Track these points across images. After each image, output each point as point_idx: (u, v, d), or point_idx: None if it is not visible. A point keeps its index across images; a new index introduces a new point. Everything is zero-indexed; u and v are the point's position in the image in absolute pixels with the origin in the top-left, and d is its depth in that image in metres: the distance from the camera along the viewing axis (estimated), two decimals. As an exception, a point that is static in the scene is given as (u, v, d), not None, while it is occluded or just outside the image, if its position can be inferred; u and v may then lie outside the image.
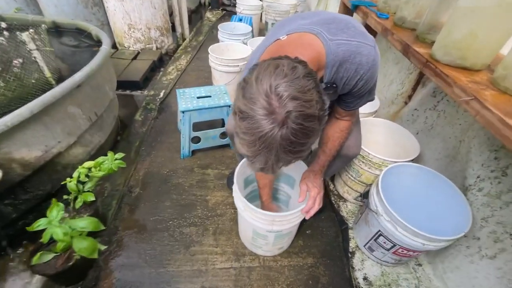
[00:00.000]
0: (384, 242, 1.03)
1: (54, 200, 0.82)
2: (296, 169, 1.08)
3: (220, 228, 1.26)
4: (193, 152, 1.63)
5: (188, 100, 1.47)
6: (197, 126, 1.53)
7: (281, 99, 0.46)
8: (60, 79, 1.38)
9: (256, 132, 0.48)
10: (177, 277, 1.08)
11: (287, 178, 1.19)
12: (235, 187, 0.96)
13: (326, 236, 1.26)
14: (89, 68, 1.26)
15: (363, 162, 1.20)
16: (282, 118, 0.46)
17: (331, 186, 1.50)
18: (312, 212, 0.88)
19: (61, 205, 0.81)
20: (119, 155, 1.11)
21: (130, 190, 1.40)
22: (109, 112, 1.52)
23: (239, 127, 0.51)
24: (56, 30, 1.87)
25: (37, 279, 1.01)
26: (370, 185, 1.25)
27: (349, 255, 1.19)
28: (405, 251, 0.98)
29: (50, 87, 1.26)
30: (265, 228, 0.94)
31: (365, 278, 1.12)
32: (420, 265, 1.17)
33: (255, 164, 0.54)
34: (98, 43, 1.63)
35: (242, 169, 1.05)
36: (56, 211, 0.78)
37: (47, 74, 1.27)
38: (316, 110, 0.48)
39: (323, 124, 0.52)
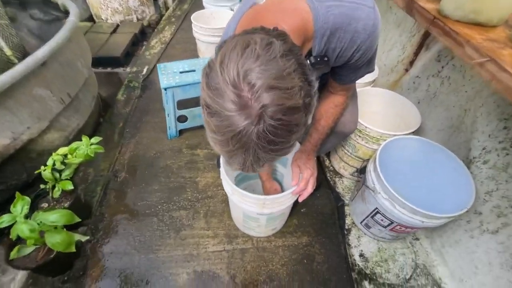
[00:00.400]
0: (382, 220, 0.98)
1: (17, 193, 0.74)
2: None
3: (211, 210, 1.21)
4: (181, 132, 1.54)
5: (170, 75, 1.35)
6: (182, 104, 1.42)
7: (253, 90, 0.36)
8: (25, 57, 1.24)
9: (227, 132, 0.38)
10: (168, 262, 1.05)
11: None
12: (222, 170, 0.89)
13: (321, 214, 1.22)
14: (54, 43, 1.12)
15: (359, 136, 1.12)
16: (256, 113, 0.36)
17: (327, 162, 1.43)
18: (305, 195, 0.81)
19: (27, 199, 0.74)
20: (95, 139, 1.02)
21: (115, 175, 1.33)
22: (85, 92, 1.40)
23: (207, 123, 0.41)
24: (20, 2, 1.67)
25: (23, 273, 0.97)
26: (368, 160, 1.19)
27: (345, 232, 1.15)
28: (403, 228, 0.94)
29: (13, 66, 1.13)
30: (255, 211, 0.88)
31: (361, 255, 1.09)
32: (417, 239, 1.14)
33: (232, 165, 0.45)
34: (67, 14, 1.46)
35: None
36: (20, 205, 0.71)
37: (7, 52, 1.13)
38: (299, 99, 0.38)
39: (312, 110, 0.43)
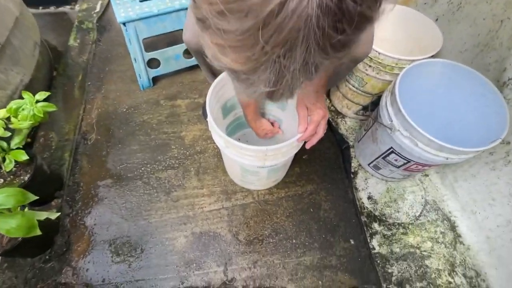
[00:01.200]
0: (395, 160, 0.88)
1: None
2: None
3: (203, 167, 1.07)
4: (155, 80, 1.30)
5: (127, 5, 1.05)
6: (151, 45, 1.15)
7: None
8: None
9: (258, 7, 0.19)
10: (162, 227, 0.94)
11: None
12: (209, 119, 0.71)
13: (325, 159, 1.11)
14: None
15: (369, 66, 0.94)
16: None
17: (327, 102, 1.28)
18: (315, 141, 0.67)
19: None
20: (41, 94, 0.80)
21: (84, 138, 1.13)
22: (22, 38, 1.09)
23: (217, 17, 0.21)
24: None
25: (-7, 256, 0.85)
26: (376, 95, 1.03)
27: (351, 176, 1.07)
28: (419, 167, 0.85)
29: None
30: (255, 165, 0.74)
31: (369, 197, 1.03)
32: (426, 175, 1.07)
33: (254, 86, 0.26)
34: None
35: (216, 95, 0.77)
36: None
37: None
38: None
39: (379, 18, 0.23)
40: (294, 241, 0.94)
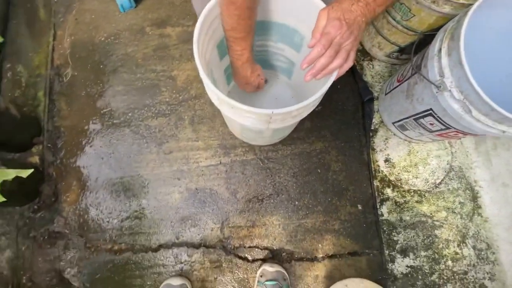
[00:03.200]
0: (431, 124, 0.71)
1: None
2: (306, 14, 0.58)
3: (199, 115, 0.93)
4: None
5: None
6: None
7: None
8: None
9: None
10: (154, 181, 0.87)
11: (288, 32, 0.69)
12: (198, 64, 0.53)
13: (341, 112, 0.94)
14: None
15: (425, -10, 0.67)
16: None
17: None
18: (342, 72, 0.48)
19: None
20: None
21: (58, 74, 0.96)
22: None
23: None
24: None
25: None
26: (423, 34, 0.78)
27: (370, 134, 0.92)
28: (459, 134, 0.69)
29: None
30: (259, 127, 0.60)
31: (387, 160, 0.90)
32: (459, 138, 0.92)
33: None
34: None
35: (207, 28, 0.56)
36: None
37: None
38: None
39: None
40: (296, 203, 0.87)
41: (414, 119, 0.76)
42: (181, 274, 0.80)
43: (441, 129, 0.70)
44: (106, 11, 1.02)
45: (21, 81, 0.93)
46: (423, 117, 0.72)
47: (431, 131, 0.75)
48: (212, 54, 0.66)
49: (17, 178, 0.65)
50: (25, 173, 0.65)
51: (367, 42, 0.97)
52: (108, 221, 0.85)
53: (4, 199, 0.56)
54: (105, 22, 1.01)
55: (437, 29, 0.65)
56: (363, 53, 1.00)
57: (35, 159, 0.87)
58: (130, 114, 0.93)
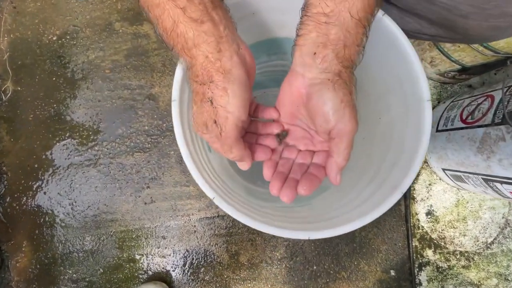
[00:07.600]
0: (504, 188, 0.51)
1: None
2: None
3: (189, 151, 0.70)
4: (100, -21, 0.73)
5: None
6: None
7: None
8: None
9: None
10: (130, 240, 0.67)
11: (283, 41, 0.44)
12: (177, 130, 0.31)
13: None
14: None
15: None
16: None
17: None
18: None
19: None
20: None
21: (-6, 89, 0.70)
22: None
23: None
24: None
25: None
26: (504, 56, 0.55)
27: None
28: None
29: None
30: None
31: (429, 213, 0.72)
32: (520, 185, 0.73)
33: None
34: None
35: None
36: None
37: None
38: None
39: None
40: (314, 267, 0.69)
41: (484, 179, 0.56)
42: None
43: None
44: (58, -4, 0.73)
45: None
46: (501, 183, 0.52)
47: (505, 196, 0.56)
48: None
49: None
50: None
51: (418, 51, 0.73)
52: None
53: None
54: (57, 13, 0.73)
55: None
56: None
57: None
58: (96, 148, 0.69)
